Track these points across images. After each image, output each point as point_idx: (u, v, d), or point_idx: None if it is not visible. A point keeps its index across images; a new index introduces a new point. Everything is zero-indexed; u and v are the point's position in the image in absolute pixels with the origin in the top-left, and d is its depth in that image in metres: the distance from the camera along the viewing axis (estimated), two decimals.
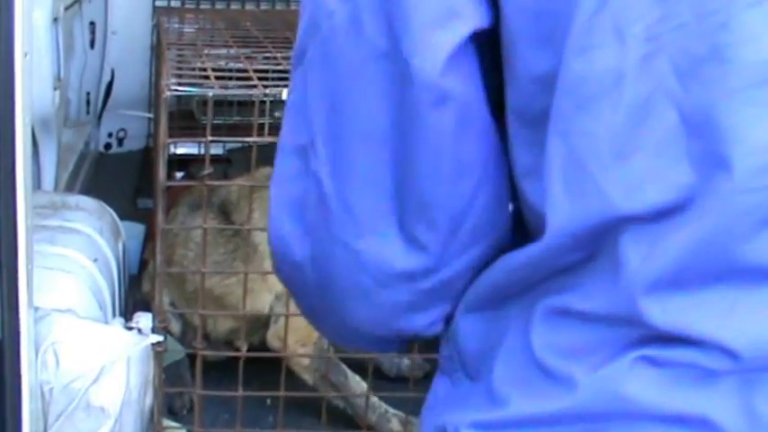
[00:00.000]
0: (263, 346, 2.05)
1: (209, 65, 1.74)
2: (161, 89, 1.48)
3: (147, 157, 2.95)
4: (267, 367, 1.94)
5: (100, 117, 2.91)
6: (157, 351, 1.61)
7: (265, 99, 1.52)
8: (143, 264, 2.36)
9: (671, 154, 0.57)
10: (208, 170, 1.56)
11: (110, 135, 2.96)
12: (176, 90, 1.45)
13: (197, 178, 1.84)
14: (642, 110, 0.57)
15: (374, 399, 1.97)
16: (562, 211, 0.61)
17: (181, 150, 2.62)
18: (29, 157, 1.47)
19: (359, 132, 0.70)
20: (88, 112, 2.85)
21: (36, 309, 1.55)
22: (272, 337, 2.01)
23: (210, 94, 1.45)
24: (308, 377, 2.00)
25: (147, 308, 2.22)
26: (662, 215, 0.58)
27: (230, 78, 1.74)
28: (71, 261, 1.89)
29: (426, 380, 2.17)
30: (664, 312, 0.60)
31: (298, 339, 1.93)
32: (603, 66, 0.58)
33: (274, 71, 1.82)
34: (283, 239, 0.76)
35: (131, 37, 2.88)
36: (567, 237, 0.62)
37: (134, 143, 3.00)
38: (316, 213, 0.73)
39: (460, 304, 0.75)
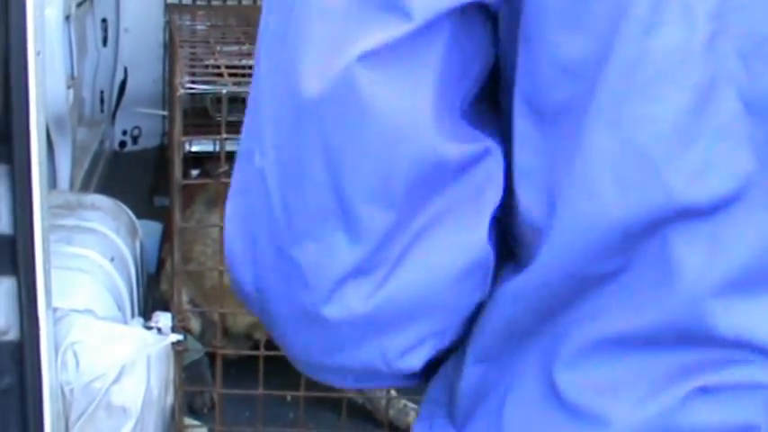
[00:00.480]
0: None
1: (222, 62, 1.71)
2: (175, 87, 1.45)
3: (162, 154, 2.92)
4: (287, 364, 1.89)
5: (114, 115, 2.89)
6: (177, 350, 1.58)
7: None
8: (161, 263, 2.33)
9: (732, 140, 0.53)
10: (223, 167, 1.52)
11: (124, 133, 2.93)
12: (191, 88, 1.41)
13: (213, 176, 1.80)
14: (707, 92, 0.53)
15: (393, 394, 1.96)
16: (610, 206, 0.56)
17: (196, 148, 2.57)
18: (44, 156, 1.44)
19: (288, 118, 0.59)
20: (102, 111, 2.82)
21: (54, 309, 1.52)
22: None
23: (224, 91, 1.42)
24: None
25: (165, 307, 2.19)
26: (721, 207, 0.54)
27: (243, 75, 1.71)
28: (88, 261, 1.87)
29: None
30: (729, 318, 0.55)
31: None
32: (670, 44, 0.53)
33: None
34: (233, 262, 0.64)
35: (143, 34, 2.85)
36: (614, 234, 0.56)
37: (149, 141, 2.97)
38: (260, 221, 0.62)
39: (467, 353, 0.65)
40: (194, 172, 2.55)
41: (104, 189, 2.56)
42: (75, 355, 1.57)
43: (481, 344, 0.64)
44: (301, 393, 1.75)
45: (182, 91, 1.42)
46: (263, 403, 1.81)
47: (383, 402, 1.92)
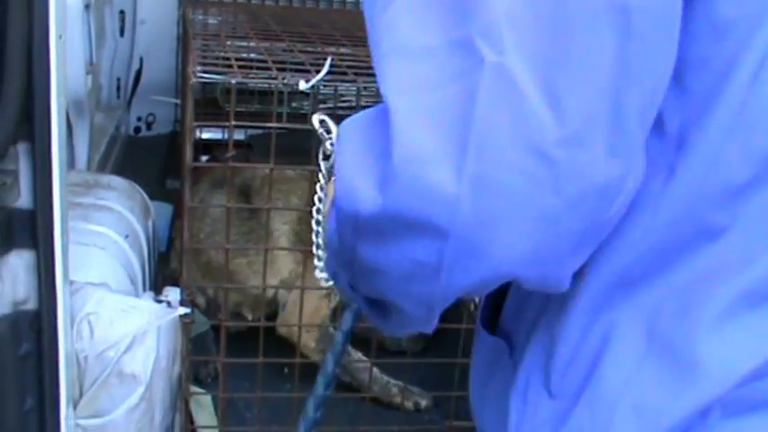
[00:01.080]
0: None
1: (231, 54, 1.77)
2: (188, 76, 1.50)
3: (174, 140, 2.98)
4: (284, 340, 2.03)
5: (129, 102, 2.94)
6: (185, 323, 1.64)
7: (284, 89, 1.54)
8: (171, 242, 2.40)
9: None
10: (231, 152, 1.58)
11: (139, 119, 2.99)
12: (202, 77, 1.47)
13: (221, 160, 1.87)
14: None
15: (376, 372, 2.05)
16: (730, 161, 0.59)
17: (206, 135, 2.66)
18: (64, 136, 1.49)
19: (575, 8, 0.55)
20: (119, 97, 2.87)
21: (71, 282, 1.58)
22: (280, 325, 2.08)
23: (233, 81, 1.47)
24: (317, 358, 2.05)
25: (175, 283, 2.26)
26: None
27: (251, 68, 1.77)
28: (104, 237, 1.93)
29: (425, 351, 2.24)
30: None
31: (303, 325, 1.98)
32: None
33: (292, 62, 1.85)
34: (424, 160, 0.57)
35: (159, 26, 2.91)
36: (731, 185, 0.60)
37: (162, 127, 3.03)
38: (494, 116, 0.56)
39: (570, 309, 0.67)
40: (204, 158, 2.62)
41: (119, 171, 2.62)
42: (89, 325, 1.63)
43: (588, 296, 0.64)
44: (297, 360, 1.84)
45: (193, 80, 1.47)
46: (263, 374, 1.87)
47: (367, 379, 2.01)
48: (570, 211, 0.58)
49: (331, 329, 2.05)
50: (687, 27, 0.58)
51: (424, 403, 2.07)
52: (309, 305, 1.88)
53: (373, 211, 0.60)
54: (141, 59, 2.90)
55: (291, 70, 1.73)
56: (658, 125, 0.61)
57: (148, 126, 3.01)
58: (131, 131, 2.99)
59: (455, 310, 2.28)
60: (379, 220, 0.61)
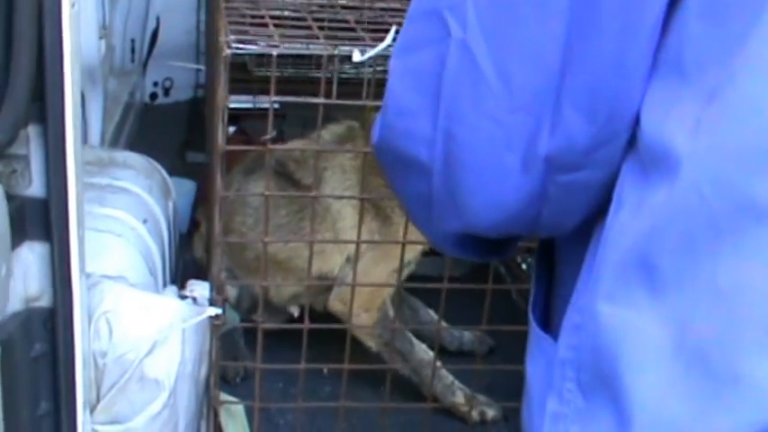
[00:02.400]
0: (322, 312, 2.02)
1: (265, 12, 1.68)
2: (220, 46, 1.42)
3: (194, 108, 2.91)
4: (324, 335, 1.86)
5: (145, 66, 2.87)
6: (216, 324, 1.57)
7: (334, 56, 1.45)
8: (195, 224, 2.33)
9: None
10: (270, 134, 1.49)
11: (155, 84, 2.92)
12: (238, 48, 1.38)
13: (258, 142, 1.78)
14: None
15: (442, 370, 1.94)
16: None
17: (233, 105, 2.56)
18: (79, 115, 1.43)
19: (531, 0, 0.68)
20: (133, 61, 2.80)
21: (87, 275, 1.52)
22: (335, 300, 1.97)
23: (274, 53, 1.38)
24: (371, 344, 1.96)
25: (198, 273, 2.19)
26: None
27: (287, 27, 1.68)
28: (120, 223, 1.86)
29: (492, 354, 2.15)
30: None
31: (361, 304, 1.88)
32: None
33: (331, 20, 1.76)
34: (407, 113, 0.75)
35: None
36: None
37: (181, 93, 2.96)
38: (458, 86, 0.71)
39: (593, 289, 0.69)
40: (231, 129, 2.54)
41: (135, 143, 2.55)
42: (108, 324, 1.57)
43: (608, 281, 0.68)
44: (346, 366, 1.74)
45: (227, 51, 1.38)
46: (298, 378, 1.80)
47: (429, 375, 1.90)
48: (522, 169, 0.72)
49: (391, 313, 1.95)
50: None
51: (491, 414, 1.95)
52: (371, 281, 1.77)
53: (373, 143, 0.81)
54: (158, 18, 2.82)
55: (332, 29, 1.65)
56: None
57: (166, 92, 2.94)
58: (147, 98, 2.91)
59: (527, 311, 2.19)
60: (379, 152, 0.81)
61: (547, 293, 0.88)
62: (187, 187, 2.45)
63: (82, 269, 1.47)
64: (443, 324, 2.07)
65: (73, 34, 1.36)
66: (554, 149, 0.71)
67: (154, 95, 2.93)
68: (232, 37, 1.42)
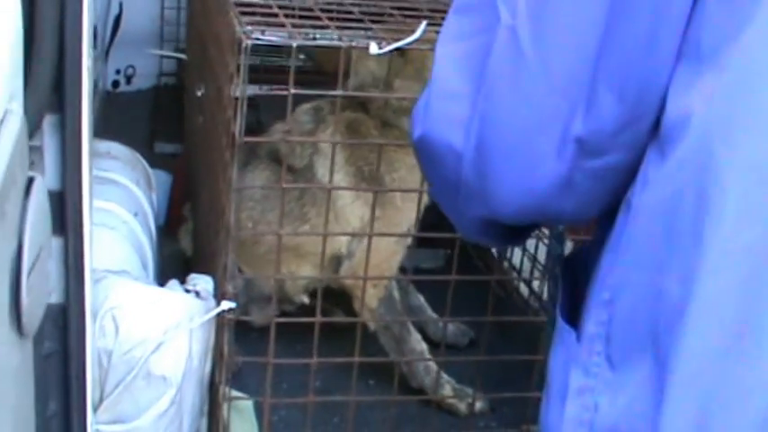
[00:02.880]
0: (338, 291, 2.00)
1: (272, 2, 1.65)
2: (239, 37, 1.38)
3: (158, 96, 2.84)
4: (310, 330, 1.81)
5: (107, 53, 2.78)
6: (228, 319, 1.53)
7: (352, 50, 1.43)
8: (178, 219, 2.27)
9: None
10: (287, 126, 1.46)
11: (117, 72, 2.84)
12: (258, 39, 1.35)
13: (279, 158, 1.74)
14: None
15: (431, 362, 1.94)
16: None
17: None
18: (91, 105, 1.38)
19: None
20: (95, 47, 2.71)
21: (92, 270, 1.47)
22: (346, 272, 1.95)
23: (294, 45, 1.36)
24: (372, 323, 1.94)
25: (181, 266, 2.14)
26: None
27: (296, 17, 1.65)
28: (112, 215, 1.81)
29: (472, 346, 2.16)
30: None
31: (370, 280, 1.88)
32: None
33: (339, 11, 1.73)
34: (450, 96, 0.78)
35: None
36: None
37: (143, 81, 2.88)
38: (500, 68, 0.75)
39: (627, 262, 0.73)
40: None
41: (99, 132, 2.47)
42: (114, 320, 1.52)
43: (641, 252, 0.73)
44: (356, 359, 1.72)
45: (246, 41, 1.35)
46: (289, 371, 1.77)
47: (419, 365, 1.91)
48: (553, 153, 0.75)
49: (396, 294, 1.94)
50: None
51: (479, 406, 1.95)
52: (380, 254, 1.76)
53: (416, 138, 0.83)
54: (121, 5, 2.74)
55: (340, 19, 1.64)
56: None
57: (128, 80, 2.86)
58: (109, 86, 2.83)
59: (507, 302, 2.20)
60: (418, 144, 0.84)
61: (572, 291, 0.90)
62: (161, 179, 2.39)
63: (90, 264, 1.42)
64: (434, 315, 2.09)
65: (90, 25, 1.32)
66: (587, 131, 0.74)
67: (116, 83, 2.84)
68: (249, 27, 1.38)
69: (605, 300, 0.76)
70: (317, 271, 1.84)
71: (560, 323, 0.86)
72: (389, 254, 1.87)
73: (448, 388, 1.95)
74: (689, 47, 0.72)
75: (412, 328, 1.96)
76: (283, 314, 2.02)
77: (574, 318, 0.85)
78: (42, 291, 1.16)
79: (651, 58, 0.72)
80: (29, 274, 1.01)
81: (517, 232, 0.91)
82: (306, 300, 2.03)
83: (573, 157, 0.75)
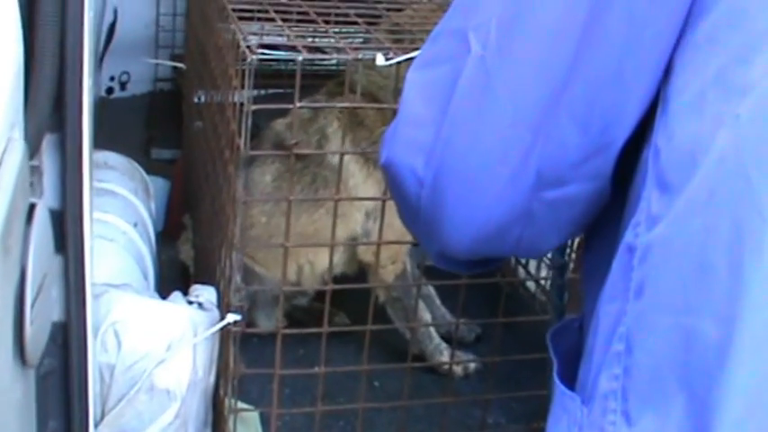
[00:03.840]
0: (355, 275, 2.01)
1: (269, 7, 1.61)
2: (243, 53, 1.34)
3: (154, 102, 2.79)
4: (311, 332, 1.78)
5: (102, 59, 2.73)
6: (234, 331, 1.50)
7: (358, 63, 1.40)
8: (177, 227, 2.23)
9: None
10: (295, 140, 1.43)
11: (112, 79, 2.79)
12: (263, 54, 1.31)
13: (285, 147, 1.71)
14: None
15: (432, 330, 2.01)
16: None
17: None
18: (92, 123, 1.34)
19: (547, 23, 0.71)
20: None
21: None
22: (364, 252, 1.97)
23: (300, 58, 1.32)
24: (382, 295, 1.97)
25: (181, 275, 2.11)
26: None
27: (294, 21, 1.62)
28: (111, 227, 1.78)
29: (479, 343, 2.14)
30: None
31: (389, 256, 1.91)
32: None
33: (337, 14, 1.70)
34: (416, 121, 0.77)
35: None
36: None
37: (138, 87, 2.83)
38: (467, 97, 0.73)
39: (647, 306, 0.69)
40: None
41: (95, 141, 2.43)
42: (116, 335, 1.49)
43: (664, 294, 0.68)
44: (365, 368, 1.68)
45: (251, 57, 1.31)
46: (292, 376, 1.75)
47: (423, 333, 1.97)
48: (512, 182, 0.74)
49: (408, 267, 1.97)
50: None
51: (473, 366, 2.02)
52: (395, 231, 1.69)
53: (382, 162, 0.81)
54: (115, 11, 2.69)
55: (338, 23, 1.62)
56: None
57: (122, 86, 2.81)
58: (103, 92, 2.78)
59: (514, 296, 2.17)
60: (385, 169, 0.82)
61: (573, 356, 0.86)
62: (158, 185, 2.35)
63: (90, 280, 1.39)
64: (441, 307, 2.11)
65: (90, 41, 1.28)
66: (546, 161, 0.73)
67: (110, 90, 2.80)
68: (254, 41, 1.35)
69: (618, 351, 0.72)
70: (337, 255, 1.86)
71: (560, 390, 0.82)
72: (403, 230, 1.85)
73: (446, 354, 2.00)
74: (685, 74, 0.69)
75: (419, 299, 1.98)
76: (294, 310, 2.02)
77: (573, 381, 0.81)
78: (46, 318, 1.13)
79: (619, 89, 0.71)
80: (33, 304, 0.97)
81: (484, 262, 0.88)
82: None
83: (531, 187, 0.74)
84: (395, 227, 1.78)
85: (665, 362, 0.68)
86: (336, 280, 1.89)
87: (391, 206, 1.76)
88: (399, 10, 1.73)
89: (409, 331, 1.95)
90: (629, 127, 0.73)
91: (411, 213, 0.82)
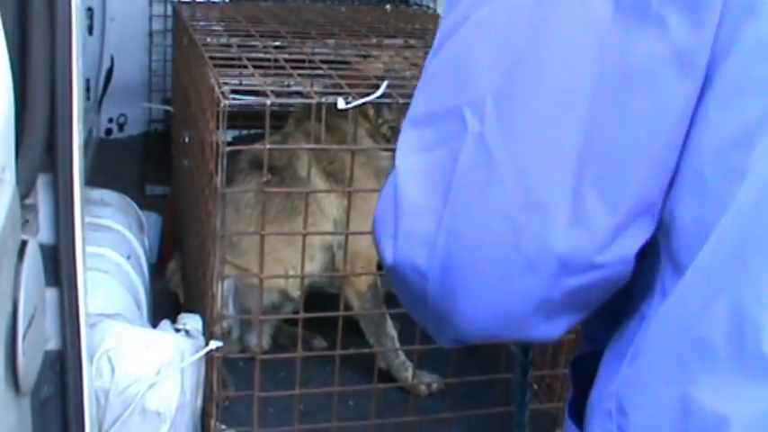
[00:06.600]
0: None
1: (244, 56, 1.63)
2: (218, 98, 1.35)
3: (148, 142, 2.80)
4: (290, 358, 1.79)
5: (100, 103, 2.74)
6: (216, 357, 1.50)
7: (321, 107, 1.42)
8: (170, 259, 2.23)
9: None
10: (266, 177, 1.44)
11: (110, 121, 2.80)
12: (235, 99, 1.32)
13: (262, 164, 1.73)
14: None
15: (399, 348, 2.04)
16: None
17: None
18: (83, 164, 1.34)
19: (549, 93, 0.61)
20: (88, 99, 2.67)
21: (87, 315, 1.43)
22: (340, 261, 2.00)
23: (268, 102, 1.33)
24: (357, 304, 2.01)
25: (170, 299, 2.10)
26: None
27: (265, 68, 1.65)
28: (106, 260, 1.77)
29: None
30: None
31: (363, 266, 1.94)
32: None
33: (310, 61, 1.73)
34: (415, 212, 0.65)
35: (130, 23, 2.72)
36: None
37: (135, 128, 2.85)
38: (469, 178, 0.63)
39: (642, 372, 0.63)
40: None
41: (94, 179, 2.43)
42: (109, 361, 1.48)
43: (661, 363, 0.62)
44: (335, 389, 1.68)
45: (224, 102, 1.32)
46: (274, 397, 1.74)
47: (390, 349, 2.00)
48: (529, 271, 0.62)
49: (379, 282, 2.00)
50: None
51: (435, 386, 2.03)
52: (364, 241, 1.72)
53: (389, 264, 0.68)
54: (112, 58, 2.70)
55: (307, 68, 1.66)
56: None
57: (120, 127, 2.82)
58: (103, 134, 2.79)
59: None
60: (391, 270, 0.69)
61: (583, 392, 0.79)
62: (152, 219, 2.35)
63: (86, 311, 1.38)
64: None
65: (79, 85, 1.29)
66: (572, 245, 0.61)
67: (109, 131, 2.80)
68: (227, 88, 1.36)
69: (608, 410, 0.66)
70: (315, 262, 1.93)
71: (568, 423, 0.77)
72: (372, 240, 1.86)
73: (410, 371, 2.03)
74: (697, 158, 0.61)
75: (387, 316, 2.04)
76: (277, 334, 2.03)
77: (581, 417, 0.75)
78: (38, 348, 1.12)
79: (646, 166, 0.61)
80: (24, 336, 0.97)
81: None
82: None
83: (551, 274, 0.62)
84: (363, 237, 1.82)
85: (661, 429, 0.62)
86: (316, 296, 1.93)
87: (358, 215, 1.85)
88: (366, 56, 1.75)
89: (377, 346, 2.00)
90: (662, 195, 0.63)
91: (418, 307, 0.70)
